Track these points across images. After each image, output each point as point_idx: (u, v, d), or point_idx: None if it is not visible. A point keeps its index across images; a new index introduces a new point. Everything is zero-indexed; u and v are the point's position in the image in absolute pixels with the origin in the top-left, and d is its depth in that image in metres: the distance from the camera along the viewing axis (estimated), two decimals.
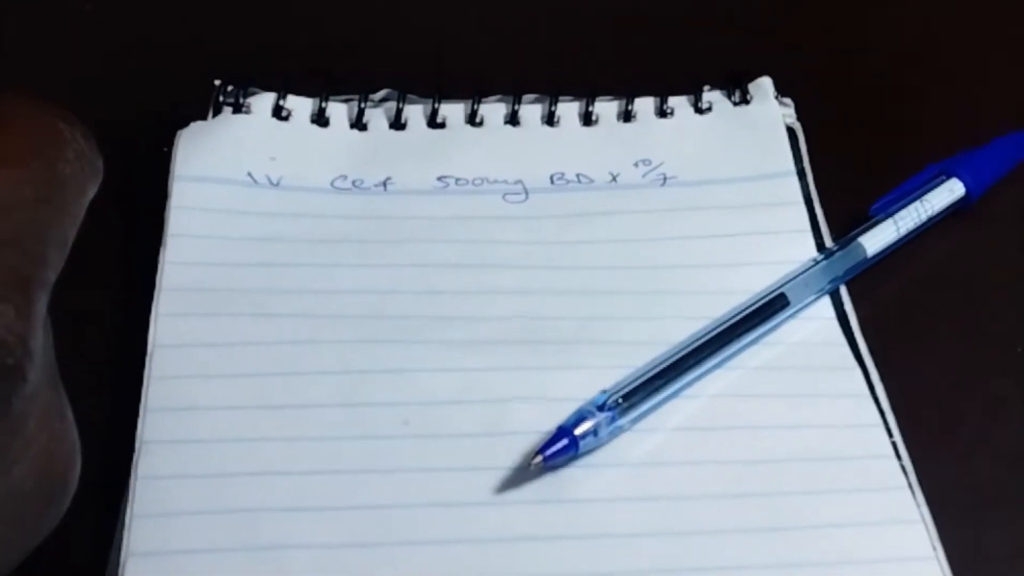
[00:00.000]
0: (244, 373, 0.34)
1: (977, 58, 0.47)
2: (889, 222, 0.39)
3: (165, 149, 0.40)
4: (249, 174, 0.40)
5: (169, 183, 0.39)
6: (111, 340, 0.36)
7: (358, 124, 0.42)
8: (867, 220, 0.39)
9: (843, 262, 0.38)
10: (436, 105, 0.42)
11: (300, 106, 0.42)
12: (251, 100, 0.41)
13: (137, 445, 0.32)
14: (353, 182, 0.40)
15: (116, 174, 0.41)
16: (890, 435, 0.34)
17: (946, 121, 0.44)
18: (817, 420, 0.34)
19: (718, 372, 0.35)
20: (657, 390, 0.34)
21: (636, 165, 0.41)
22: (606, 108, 0.42)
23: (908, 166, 0.41)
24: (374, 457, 0.33)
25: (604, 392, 0.33)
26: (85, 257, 0.38)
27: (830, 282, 0.37)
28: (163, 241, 0.37)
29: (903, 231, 0.39)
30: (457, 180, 0.40)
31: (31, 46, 0.46)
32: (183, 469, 0.32)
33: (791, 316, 0.36)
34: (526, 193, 0.40)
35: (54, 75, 0.45)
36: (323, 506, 0.32)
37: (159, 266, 0.37)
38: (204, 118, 0.42)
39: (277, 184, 0.40)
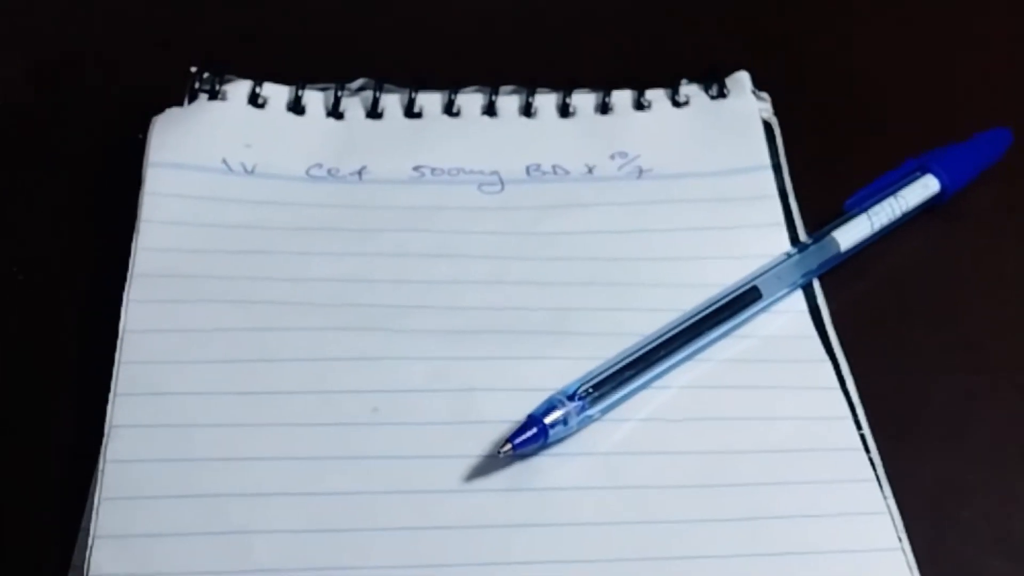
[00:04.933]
0: (214, 359, 0.34)
1: (955, 54, 0.47)
2: (863, 217, 0.39)
3: (140, 136, 0.40)
4: (224, 161, 0.39)
5: (143, 169, 0.39)
6: (83, 324, 0.36)
7: (334, 113, 0.42)
8: (841, 215, 0.39)
9: (816, 256, 0.38)
10: (413, 95, 0.42)
11: (276, 94, 0.42)
12: (227, 87, 0.41)
13: (107, 429, 0.32)
14: (328, 171, 0.40)
15: (91, 160, 0.41)
16: (859, 428, 0.34)
17: (923, 116, 0.44)
18: (787, 412, 0.34)
19: (689, 364, 0.35)
20: (627, 381, 0.34)
21: (612, 157, 0.41)
22: (583, 100, 0.43)
23: (884, 161, 0.41)
24: (343, 444, 0.32)
25: (575, 382, 0.33)
26: (59, 242, 0.39)
27: (803, 276, 0.37)
28: (136, 227, 0.37)
29: (877, 226, 0.39)
30: (433, 170, 0.40)
31: (4, 28, 0.46)
32: (152, 453, 0.32)
33: (763, 309, 0.37)
34: (502, 184, 0.40)
35: (30, 59, 0.45)
36: (291, 491, 0.31)
37: (132, 252, 0.37)
38: (180, 105, 0.41)
39: (252, 172, 0.39)
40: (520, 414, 0.33)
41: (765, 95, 0.43)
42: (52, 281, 0.37)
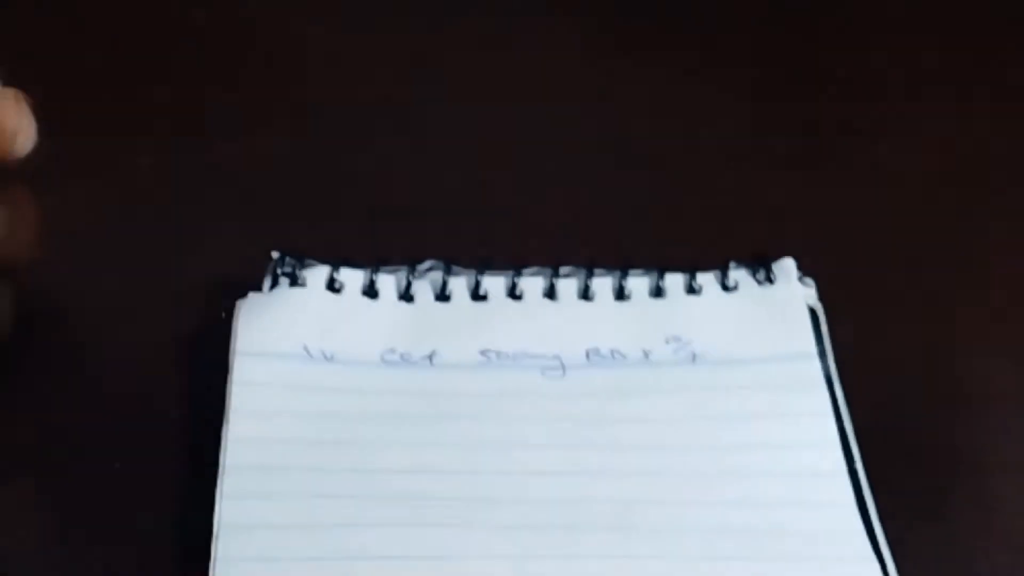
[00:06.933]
0: (301, 557, 0.36)
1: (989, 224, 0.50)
2: None
3: (223, 315, 0.43)
4: (305, 348, 0.42)
5: (230, 358, 0.41)
6: (179, 516, 0.38)
7: (406, 296, 0.44)
8: None
9: None
10: (479, 277, 0.44)
11: (352, 278, 0.44)
12: (306, 272, 0.44)
13: None
14: (401, 355, 0.42)
15: (176, 337, 0.44)
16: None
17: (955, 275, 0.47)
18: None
19: None
20: None
21: (667, 342, 0.44)
22: (638, 284, 0.45)
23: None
24: None
25: None
26: (151, 424, 0.41)
27: None
28: (226, 417, 0.40)
29: None
30: (498, 354, 0.43)
31: (76, 214, 0.48)
32: None
33: None
34: (563, 368, 0.43)
35: (103, 238, 0.47)
36: None
37: (222, 443, 0.39)
38: (258, 283, 0.44)
39: (331, 359, 0.42)
40: None
41: (810, 281, 0.45)
42: (148, 469, 0.40)
